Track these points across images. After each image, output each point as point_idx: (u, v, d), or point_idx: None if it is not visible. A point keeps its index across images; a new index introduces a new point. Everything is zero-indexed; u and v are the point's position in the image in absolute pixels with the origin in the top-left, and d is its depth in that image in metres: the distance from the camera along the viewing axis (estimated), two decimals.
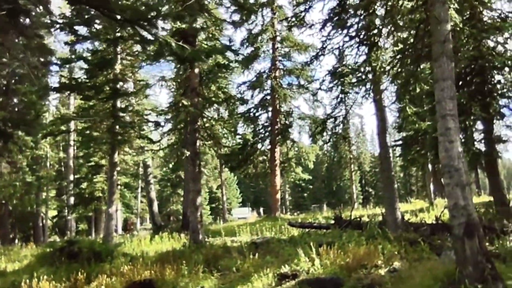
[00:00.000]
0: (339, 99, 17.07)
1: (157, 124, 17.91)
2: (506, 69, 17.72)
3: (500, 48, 17.09)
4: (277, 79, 33.82)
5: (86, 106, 19.46)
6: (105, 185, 29.58)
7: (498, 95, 18.34)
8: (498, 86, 18.38)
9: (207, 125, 17.48)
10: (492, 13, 14.39)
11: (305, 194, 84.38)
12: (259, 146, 34.57)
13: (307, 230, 16.89)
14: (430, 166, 36.12)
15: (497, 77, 18.42)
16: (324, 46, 14.97)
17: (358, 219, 16.00)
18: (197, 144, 16.62)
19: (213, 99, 16.83)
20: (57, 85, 19.63)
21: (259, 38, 32.88)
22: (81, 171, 34.26)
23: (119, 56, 18.89)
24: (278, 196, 34.14)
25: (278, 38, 34.36)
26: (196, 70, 17.00)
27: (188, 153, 16.03)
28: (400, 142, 44.73)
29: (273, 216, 31.21)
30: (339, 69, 15.05)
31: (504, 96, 18.34)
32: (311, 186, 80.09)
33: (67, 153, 37.41)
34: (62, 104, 40.90)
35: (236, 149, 27.96)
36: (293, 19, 14.71)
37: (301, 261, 10.43)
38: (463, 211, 7.39)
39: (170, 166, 42.67)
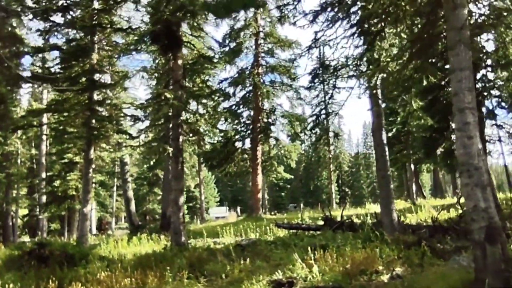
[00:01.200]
0: (329, 94, 16.31)
1: (136, 119, 16.80)
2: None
3: (492, 45, 16.66)
4: (260, 76, 33.08)
5: (60, 98, 18.17)
6: (79, 183, 28.25)
7: (489, 94, 17.98)
8: (489, 84, 18.01)
9: (190, 120, 16.47)
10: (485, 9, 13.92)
11: (283, 194, 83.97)
12: (240, 144, 33.78)
13: (295, 231, 16.15)
14: (412, 166, 36.02)
15: (489, 75, 18.03)
16: (316, 37, 14.22)
17: (350, 220, 15.30)
18: (180, 139, 15.63)
19: (198, 92, 15.83)
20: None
21: (242, 33, 31.94)
22: (54, 168, 32.72)
23: (96, 46, 17.69)
24: (260, 195, 33.37)
25: (261, 35, 33.60)
26: (180, 62, 15.99)
27: (170, 150, 15.01)
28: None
29: (255, 215, 30.44)
30: (332, 62, 14.24)
31: (495, 96, 18.01)
32: (288, 186, 79.72)
33: (39, 150, 35.73)
34: (35, 99, 39.16)
35: (218, 146, 26.98)
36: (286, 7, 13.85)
37: (296, 267, 9.57)
38: (484, 214, 6.70)
39: (150, 163, 41.36)
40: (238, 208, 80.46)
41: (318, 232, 15.04)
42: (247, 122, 32.91)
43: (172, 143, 15.59)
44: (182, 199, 15.55)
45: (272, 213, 39.27)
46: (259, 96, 32.23)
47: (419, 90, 16.11)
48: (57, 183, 29.41)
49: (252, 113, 33.20)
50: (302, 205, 76.71)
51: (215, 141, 26.44)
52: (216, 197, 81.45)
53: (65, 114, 17.70)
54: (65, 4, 16.78)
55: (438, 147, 19.36)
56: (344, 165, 72.44)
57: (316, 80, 55.44)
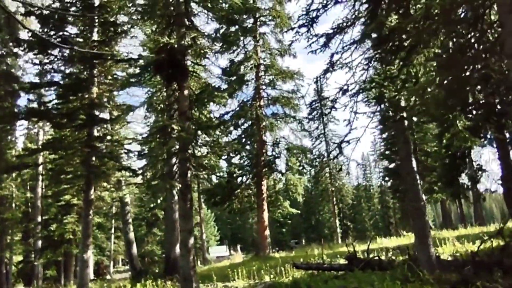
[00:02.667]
0: (352, 120, 15.28)
1: (140, 154, 15.65)
2: None
3: None
4: (262, 108, 32.23)
5: (57, 136, 17.07)
6: (76, 226, 26.77)
7: None
8: None
9: (197, 154, 15.33)
10: None
11: (284, 230, 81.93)
12: (244, 179, 32.51)
13: (315, 271, 14.77)
14: (424, 196, 34.62)
15: None
16: (332, 60, 13.37)
17: (377, 257, 13.94)
18: (188, 175, 14.44)
19: (207, 124, 14.80)
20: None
21: (242, 66, 31.29)
22: (50, 211, 31.28)
23: (96, 80, 16.75)
24: (267, 232, 31.82)
25: (262, 67, 32.99)
26: (186, 92, 15.01)
27: (179, 186, 13.78)
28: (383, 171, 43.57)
29: (263, 255, 28.84)
30: (350, 87, 13.27)
31: None
32: (289, 221, 77.82)
33: (35, 192, 34.32)
34: (30, 141, 38.00)
35: (224, 182, 25.75)
36: (302, 21, 12.98)
37: None
38: None
39: (152, 203, 39.81)
40: (238, 247, 78.17)
41: (341, 272, 13.69)
42: (250, 156, 31.82)
43: (179, 180, 14.36)
44: (192, 240, 14.19)
45: (278, 251, 37.62)
46: (262, 128, 31.29)
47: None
48: (53, 227, 28.01)
49: (255, 146, 32.15)
50: (304, 241, 74.69)
51: (218, 177, 25.27)
52: (216, 236, 79.28)
53: (63, 152, 16.54)
54: (63, 36, 15.93)
55: (460, 174, 18.26)
56: (347, 198, 70.91)
57: (315, 112, 54.05)
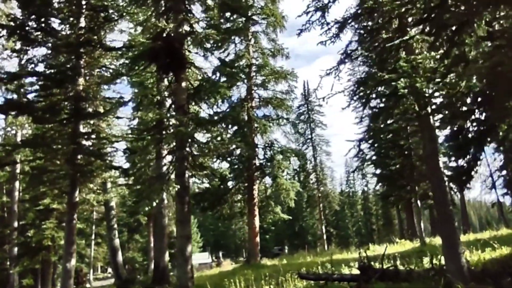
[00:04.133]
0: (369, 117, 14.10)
1: (132, 152, 14.16)
2: None
3: None
4: (254, 110, 31.00)
5: (38, 132, 15.45)
6: (55, 232, 24.94)
7: None
8: None
9: (195, 152, 13.94)
10: None
11: (267, 236, 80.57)
12: (234, 183, 31.08)
13: (322, 282, 13.47)
14: (418, 202, 33.83)
15: None
16: (348, 51, 12.22)
17: (394, 267, 12.71)
18: (186, 175, 13.06)
19: (207, 119, 13.45)
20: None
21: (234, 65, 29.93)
22: (27, 216, 29.27)
23: (83, 70, 15.21)
24: (258, 239, 30.41)
25: (254, 67, 31.77)
26: (184, 84, 13.67)
27: (176, 188, 12.38)
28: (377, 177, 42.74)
29: (254, 262, 27.43)
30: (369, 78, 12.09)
31: None
32: (273, 227, 76.52)
33: (11, 196, 32.21)
34: (7, 142, 35.81)
35: (217, 185, 24.33)
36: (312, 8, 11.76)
37: None
38: None
39: (150, 206, 37.85)
40: (221, 254, 76.50)
41: (354, 284, 12.45)
42: (242, 159, 30.44)
43: (176, 180, 12.96)
44: (190, 248, 12.79)
45: (262, 258, 36.22)
46: (254, 131, 29.98)
47: None
48: (30, 232, 26.25)
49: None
50: (287, 248, 73.39)
51: (210, 180, 23.79)
52: (199, 242, 77.44)
53: (45, 150, 14.91)
54: (47, 22, 14.39)
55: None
56: (334, 204, 69.99)
57: (302, 116, 53.37)
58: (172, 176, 13.77)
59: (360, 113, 42.88)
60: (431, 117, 11.06)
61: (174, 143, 13.75)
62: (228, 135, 23.18)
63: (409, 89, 9.68)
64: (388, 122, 36.90)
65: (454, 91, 9.72)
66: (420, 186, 32.54)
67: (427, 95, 10.58)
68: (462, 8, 8.09)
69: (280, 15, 29.67)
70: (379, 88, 12.27)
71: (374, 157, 40.29)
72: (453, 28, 7.91)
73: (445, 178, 11.08)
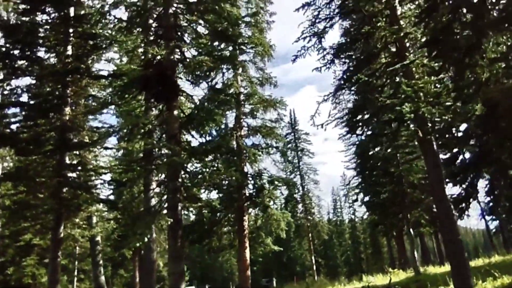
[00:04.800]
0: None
1: (120, 184, 13.47)
2: None
3: None
4: (242, 138, 30.55)
5: (21, 164, 14.68)
6: (36, 270, 23.68)
7: None
8: None
9: (187, 183, 13.29)
10: None
11: (255, 268, 78.75)
12: (222, 214, 30.20)
13: None
14: (411, 230, 33.30)
15: None
16: (346, 75, 11.95)
17: None
18: (179, 208, 12.39)
19: (201, 148, 12.89)
20: None
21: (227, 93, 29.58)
22: (7, 253, 27.83)
23: (69, 100, 14.62)
24: (249, 272, 29.39)
25: (242, 96, 31.50)
26: (175, 112, 13.18)
27: (170, 221, 11.68)
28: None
29: None
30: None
31: None
32: (261, 259, 74.80)
33: None
34: None
35: (207, 217, 23.52)
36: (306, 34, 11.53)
37: None
38: None
39: (142, 241, 36.43)
40: (207, 287, 74.46)
41: None
42: (231, 189, 29.74)
43: (169, 213, 12.27)
44: (183, 285, 11.99)
45: None
46: (243, 160, 29.43)
47: None
48: (10, 270, 24.84)
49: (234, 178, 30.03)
50: (275, 280, 71.72)
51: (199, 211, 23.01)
52: (186, 276, 75.24)
53: (28, 183, 14.12)
54: (32, 50, 13.88)
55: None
56: (323, 234, 68.98)
57: (289, 145, 52.83)
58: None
59: (347, 141, 42.80)
60: (434, 142, 10.74)
61: (164, 175, 13.15)
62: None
63: (413, 114, 9.36)
64: (377, 149, 36.82)
65: (459, 116, 9.44)
66: (412, 213, 32.18)
67: (430, 120, 10.30)
68: (469, 31, 7.89)
69: (268, 44, 29.64)
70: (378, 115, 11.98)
71: (362, 185, 40.06)
72: (462, 50, 7.65)
73: (451, 206, 10.62)
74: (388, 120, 10.87)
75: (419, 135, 10.40)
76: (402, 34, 10.53)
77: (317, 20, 11.83)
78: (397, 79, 11.44)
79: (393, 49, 11.93)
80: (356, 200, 42.50)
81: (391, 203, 32.28)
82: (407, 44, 11.60)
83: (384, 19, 11.11)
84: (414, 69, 11.17)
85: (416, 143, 30.63)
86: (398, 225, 33.48)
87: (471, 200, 16.38)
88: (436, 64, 10.38)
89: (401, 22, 11.54)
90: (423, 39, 9.94)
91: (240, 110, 30.83)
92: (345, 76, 12.10)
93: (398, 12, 11.53)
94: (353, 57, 12.86)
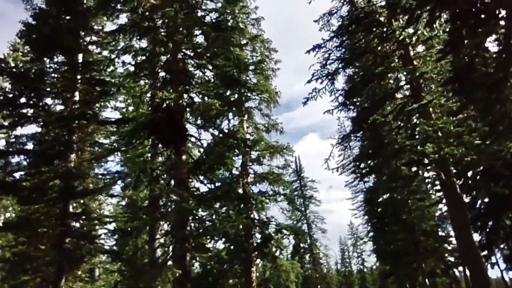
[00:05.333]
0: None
1: (127, 234, 12.83)
2: None
3: None
4: (249, 186, 29.95)
5: (23, 213, 14.12)
6: None
7: None
8: None
9: (195, 232, 12.64)
10: None
11: None
12: (229, 265, 29.05)
13: None
14: (427, 280, 31.86)
15: None
16: (359, 117, 11.62)
17: None
18: (187, 258, 11.70)
19: (211, 194, 12.37)
20: None
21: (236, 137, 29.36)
22: None
23: (75, 146, 14.26)
24: None
25: (248, 142, 31.16)
26: (184, 157, 12.76)
27: (178, 273, 10.94)
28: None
29: None
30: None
31: None
32: None
33: None
34: None
35: (215, 268, 22.51)
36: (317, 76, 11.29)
37: None
38: None
39: None
40: None
41: None
42: (238, 239, 28.76)
43: (176, 265, 11.55)
44: None
45: None
46: (250, 208, 28.67)
47: None
48: None
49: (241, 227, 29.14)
50: None
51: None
52: None
53: (29, 233, 13.47)
54: (38, 96, 13.70)
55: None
56: (332, 286, 66.41)
57: (295, 193, 51.74)
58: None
59: (354, 188, 41.97)
60: (457, 185, 10.20)
61: (171, 223, 12.54)
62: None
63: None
64: (385, 196, 35.91)
65: (485, 155, 8.94)
66: (427, 263, 30.93)
67: (452, 161, 9.81)
68: (493, 66, 7.57)
69: (273, 91, 29.74)
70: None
71: (371, 233, 38.89)
72: (487, 86, 7.29)
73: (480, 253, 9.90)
74: (407, 162, 10.37)
75: (441, 178, 9.86)
76: (417, 74, 10.25)
77: (328, 62, 11.63)
78: (414, 119, 11.07)
79: (407, 90, 11.64)
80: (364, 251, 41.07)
81: (404, 252, 31.09)
82: (422, 84, 11.31)
83: (397, 60, 10.88)
84: (431, 109, 10.82)
85: (428, 187, 30.01)
86: (412, 275, 32.09)
87: (493, 247, 15.55)
88: (454, 104, 10.03)
89: (414, 62, 11.31)
90: (442, 78, 9.64)
91: (246, 156, 30.49)
92: (357, 119, 11.76)
93: (412, 53, 11.33)
94: (366, 99, 12.57)
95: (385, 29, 11.30)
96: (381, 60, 11.20)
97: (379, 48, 11.19)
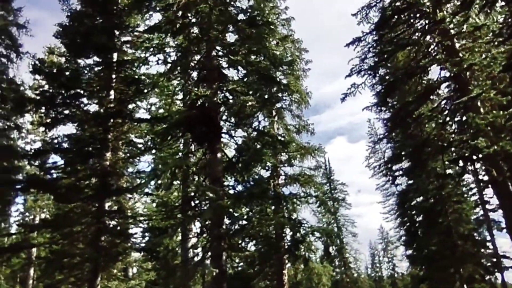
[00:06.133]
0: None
1: (163, 232, 12.71)
2: None
3: None
4: (280, 187, 29.62)
5: (59, 212, 14.23)
6: None
7: None
8: None
9: (231, 231, 12.40)
10: None
11: None
12: (260, 267, 28.76)
13: None
14: (465, 286, 30.68)
15: None
16: (402, 113, 11.16)
17: None
18: (224, 257, 11.46)
19: (247, 192, 12.14)
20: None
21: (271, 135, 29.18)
22: None
23: (110, 145, 14.30)
24: None
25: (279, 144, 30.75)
26: (219, 155, 12.57)
27: (216, 272, 10.72)
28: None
29: None
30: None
31: None
32: None
33: (25, 285, 30.19)
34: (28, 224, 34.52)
35: (247, 270, 22.30)
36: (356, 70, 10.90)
37: None
38: None
39: None
40: None
41: None
42: (270, 241, 28.41)
43: (213, 264, 11.34)
44: None
45: None
46: (281, 209, 28.30)
47: None
48: None
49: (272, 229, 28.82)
50: None
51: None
52: None
53: (65, 231, 13.54)
54: (74, 95, 13.80)
55: None
56: None
57: (324, 196, 50.99)
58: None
59: (386, 191, 41.03)
60: (509, 183, 9.61)
61: (207, 221, 12.34)
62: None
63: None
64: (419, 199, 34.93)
65: None
66: (465, 268, 29.80)
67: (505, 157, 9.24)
68: None
69: (304, 91, 29.38)
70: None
71: (404, 237, 37.87)
72: None
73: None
74: (455, 158, 9.85)
75: (492, 175, 9.31)
76: (465, 65, 9.74)
77: (368, 55, 11.23)
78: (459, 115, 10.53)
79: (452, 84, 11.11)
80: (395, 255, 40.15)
81: (439, 256, 30.07)
82: (469, 77, 10.77)
83: (442, 52, 10.39)
84: (479, 103, 10.29)
85: (463, 190, 28.99)
86: (448, 281, 30.99)
87: None
88: (504, 98, 9.48)
89: (460, 55, 10.78)
90: (492, 70, 9.11)
91: (276, 158, 30.17)
92: (395, 116, 11.29)
93: (457, 45, 10.81)
94: (405, 96, 12.09)
95: (427, 21, 10.84)
96: (425, 52, 10.73)
97: (421, 40, 10.72)
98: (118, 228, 13.87)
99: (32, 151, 14.27)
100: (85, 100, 14.50)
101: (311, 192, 29.91)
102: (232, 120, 13.64)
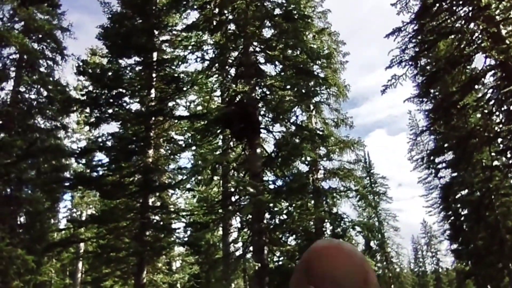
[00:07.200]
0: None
1: (205, 226, 12.97)
2: None
3: None
4: (319, 182, 29.47)
5: (105, 207, 14.75)
6: None
7: None
8: None
9: (272, 225, 12.51)
10: None
11: None
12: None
13: None
14: None
15: None
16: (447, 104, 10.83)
17: None
18: (265, 252, 11.57)
19: (287, 187, 12.19)
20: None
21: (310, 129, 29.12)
22: None
23: (152, 142, 14.69)
24: None
25: (317, 138, 30.61)
26: (258, 150, 12.66)
27: (258, 266, 10.85)
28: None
29: None
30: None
31: None
32: None
33: (74, 279, 31.52)
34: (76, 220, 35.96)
35: (287, 264, 22.33)
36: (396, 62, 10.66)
37: None
38: None
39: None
40: None
41: None
42: (310, 235, 28.32)
43: (255, 258, 11.48)
44: None
45: None
46: (321, 203, 28.17)
47: None
48: None
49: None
50: None
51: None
52: None
53: (111, 226, 14.04)
54: (117, 95, 14.23)
55: None
56: (407, 286, 63.83)
57: (364, 190, 50.27)
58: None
59: (428, 185, 39.99)
60: None
61: (249, 216, 12.47)
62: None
63: None
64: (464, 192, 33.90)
65: None
66: None
67: None
68: None
69: (342, 84, 29.06)
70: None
71: (449, 231, 36.85)
72: None
73: None
74: (502, 150, 9.52)
75: None
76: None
77: (409, 46, 10.97)
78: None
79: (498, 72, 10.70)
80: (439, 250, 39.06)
81: (486, 252, 29.09)
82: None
83: (488, 39, 10.02)
84: None
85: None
86: (496, 277, 29.96)
87: None
88: None
89: (507, 42, 10.36)
90: None
91: (315, 152, 29.99)
92: (438, 107, 10.98)
93: (504, 32, 10.39)
94: (448, 86, 11.73)
95: (471, 8, 10.47)
96: (468, 40, 10.39)
97: (465, 28, 10.37)
98: (162, 223, 14.25)
99: (79, 149, 14.83)
100: (127, 99, 14.94)
101: (351, 186, 29.59)
102: (270, 115, 13.69)
